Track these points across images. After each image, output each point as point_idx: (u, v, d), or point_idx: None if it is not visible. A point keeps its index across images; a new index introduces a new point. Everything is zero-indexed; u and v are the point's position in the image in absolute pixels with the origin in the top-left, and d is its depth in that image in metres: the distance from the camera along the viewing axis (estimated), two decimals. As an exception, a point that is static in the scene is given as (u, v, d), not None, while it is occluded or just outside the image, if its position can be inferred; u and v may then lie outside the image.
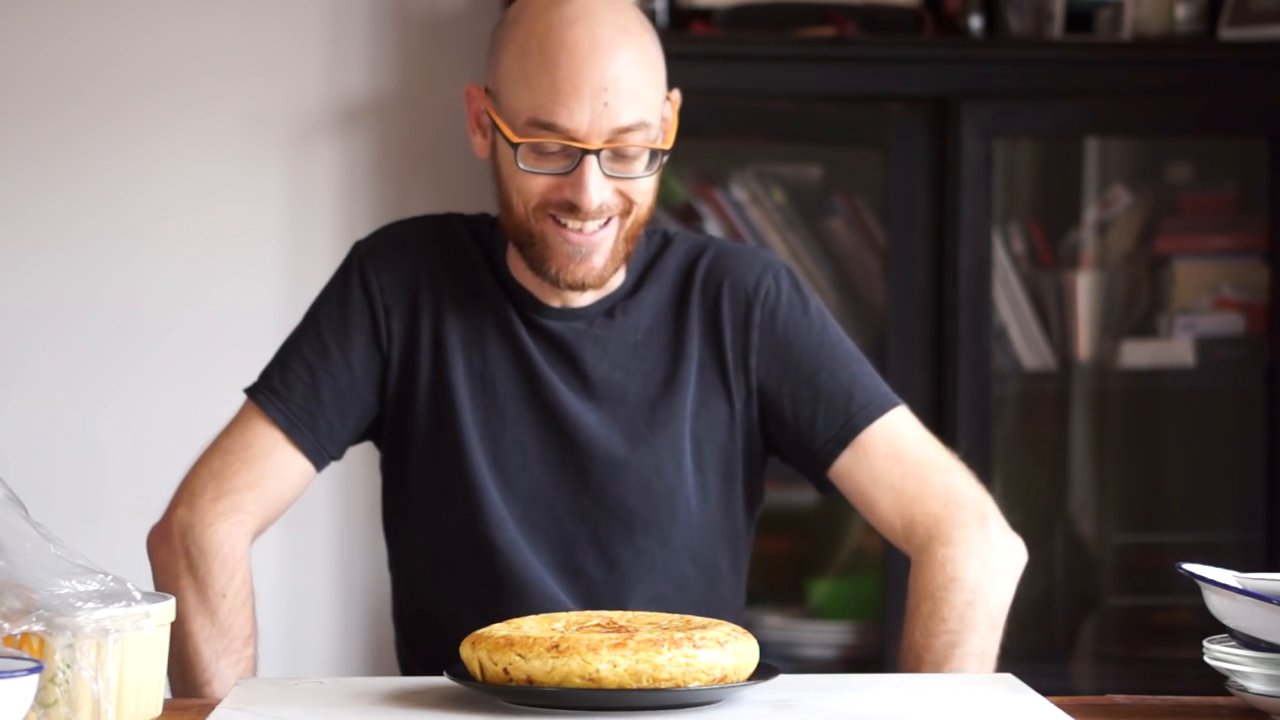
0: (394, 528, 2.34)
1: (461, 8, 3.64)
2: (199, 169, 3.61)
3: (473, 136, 2.23)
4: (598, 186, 2.13)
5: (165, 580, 2.20)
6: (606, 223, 2.16)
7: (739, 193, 3.56)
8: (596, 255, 2.17)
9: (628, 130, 2.12)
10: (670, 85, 2.23)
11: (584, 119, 2.11)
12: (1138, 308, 3.64)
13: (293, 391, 2.23)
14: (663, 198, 3.47)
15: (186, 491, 2.23)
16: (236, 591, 2.19)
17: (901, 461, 2.23)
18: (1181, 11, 3.54)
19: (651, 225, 2.28)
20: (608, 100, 2.11)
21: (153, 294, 3.60)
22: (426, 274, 2.26)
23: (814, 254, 3.55)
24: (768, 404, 2.26)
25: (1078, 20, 3.52)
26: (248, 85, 3.62)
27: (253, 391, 2.25)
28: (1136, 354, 3.62)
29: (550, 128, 2.12)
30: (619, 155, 2.14)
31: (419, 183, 3.63)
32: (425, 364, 2.24)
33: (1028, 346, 3.59)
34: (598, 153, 2.12)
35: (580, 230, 2.15)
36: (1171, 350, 3.60)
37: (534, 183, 2.15)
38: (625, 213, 2.17)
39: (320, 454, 2.24)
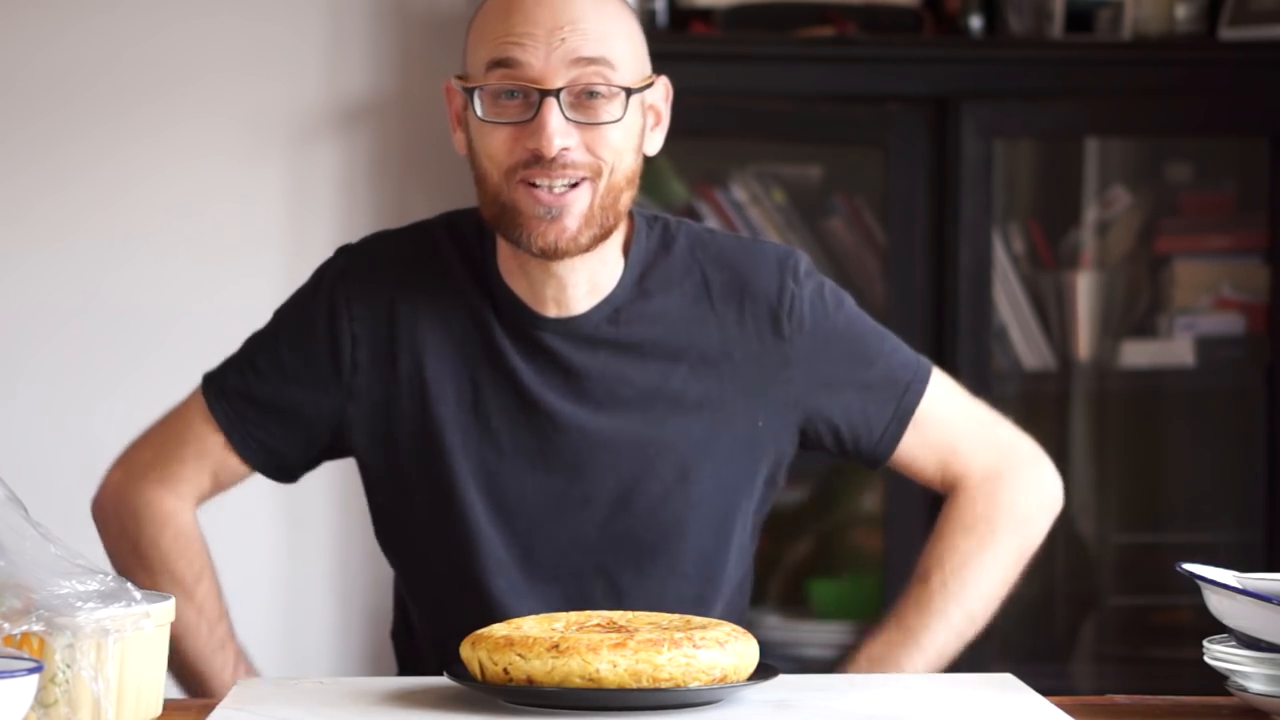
0: (389, 556, 2.29)
1: (461, 8, 3.64)
2: (199, 170, 3.61)
3: (454, 134, 2.17)
4: (559, 128, 2.05)
5: (119, 566, 2.25)
6: (578, 184, 2.08)
7: (739, 193, 3.56)
8: (568, 217, 2.07)
9: (589, 64, 2.06)
10: (671, 86, 2.18)
11: (540, 55, 2.05)
12: (1138, 308, 3.64)
13: (244, 414, 2.22)
14: (663, 197, 3.49)
15: (127, 464, 2.28)
16: (197, 575, 2.26)
17: (953, 424, 2.26)
18: (1181, 11, 3.54)
19: (651, 212, 2.23)
20: (565, 37, 2.06)
21: (153, 294, 3.60)
22: (405, 304, 2.18)
23: (814, 254, 3.54)
24: (811, 414, 2.20)
25: (1078, 20, 3.52)
26: (248, 86, 3.62)
27: (209, 396, 2.24)
28: (1136, 354, 3.62)
29: (506, 63, 2.06)
30: (583, 104, 2.07)
31: (419, 183, 3.63)
32: (407, 399, 2.17)
33: (1028, 346, 3.59)
34: (557, 94, 2.05)
35: (550, 189, 2.07)
36: (1171, 350, 3.60)
37: (498, 137, 2.08)
38: (597, 174, 2.08)
39: (270, 468, 2.25)
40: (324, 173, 3.63)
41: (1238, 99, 3.53)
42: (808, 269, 2.23)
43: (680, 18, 3.48)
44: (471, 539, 2.17)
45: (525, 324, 2.17)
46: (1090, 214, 3.66)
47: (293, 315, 2.25)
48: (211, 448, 2.24)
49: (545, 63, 2.06)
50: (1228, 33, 3.51)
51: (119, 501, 2.27)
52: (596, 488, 2.17)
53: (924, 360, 2.26)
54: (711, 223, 3.50)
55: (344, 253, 2.26)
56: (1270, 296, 3.57)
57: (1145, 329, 3.63)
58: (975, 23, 3.50)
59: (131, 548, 2.25)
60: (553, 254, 2.10)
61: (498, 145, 2.09)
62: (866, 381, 2.22)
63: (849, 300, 2.26)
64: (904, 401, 2.22)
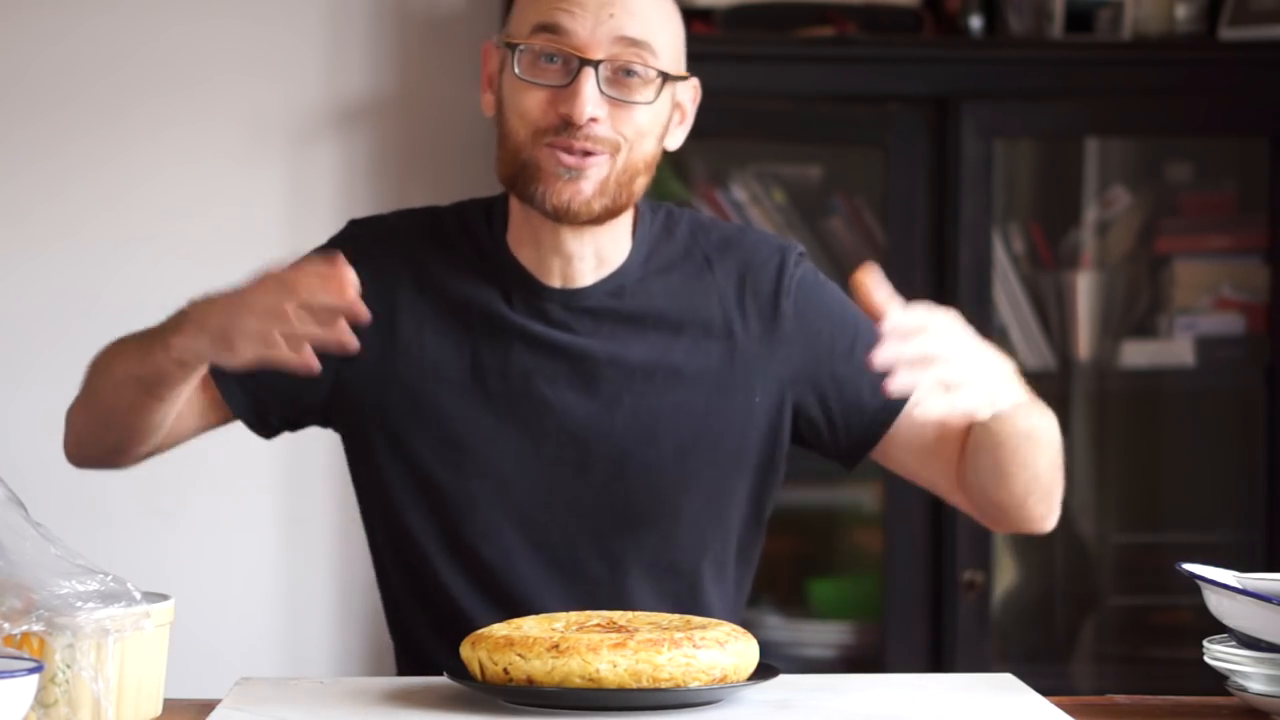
0: (375, 530, 2.31)
1: (461, 8, 3.64)
2: (199, 171, 3.61)
3: (483, 95, 2.22)
4: (593, 98, 2.10)
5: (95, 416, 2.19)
6: (599, 155, 2.12)
7: (739, 193, 3.56)
8: (585, 181, 2.12)
9: (632, 45, 2.11)
10: (700, 90, 2.23)
11: (586, 25, 2.11)
12: (1138, 308, 3.64)
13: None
14: (663, 198, 3.48)
15: None
16: None
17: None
18: (1181, 11, 3.54)
19: (654, 201, 2.26)
20: (614, 13, 2.11)
21: (154, 295, 3.57)
22: (408, 275, 2.23)
23: (814, 254, 3.53)
24: (805, 392, 2.23)
25: (1078, 20, 3.52)
26: (248, 86, 3.62)
27: None
28: (1136, 354, 3.62)
29: (552, 29, 2.11)
30: (620, 81, 2.12)
31: (419, 183, 3.63)
32: (404, 366, 2.20)
33: (1028, 346, 3.59)
34: (596, 65, 2.10)
35: (570, 150, 2.11)
36: (1171, 350, 3.60)
37: (531, 98, 2.12)
38: (617, 150, 2.13)
39: (251, 417, 2.23)
40: (324, 173, 3.63)
41: (1238, 99, 3.53)
42: (802, 254, 2.29)
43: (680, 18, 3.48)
44: (464, 504, 2.19)
45: (530, 294, 2.21)
46: (1090, 214, 3.65)
47: None
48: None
49: (591, 34, 2.11)
50: (1228, 33, 3.51)
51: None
52: (593, 456, 2.19)
53: None
54: (711, 223, 3.50)
55: (354, 223, 2.31)
56: (1270, 296, 3.56)
57: (1145, 329, 3.63)
58: (975, 23, 3.50)
59: (93, 396, 2.21)
60: (565, 214, 2.14)
61: (530, 105, 2.13)
62: (860, 363, 2.21)
63: (845, 295, 2.28)
64: None
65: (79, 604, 1.73)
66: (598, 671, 1.77)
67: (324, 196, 3.62)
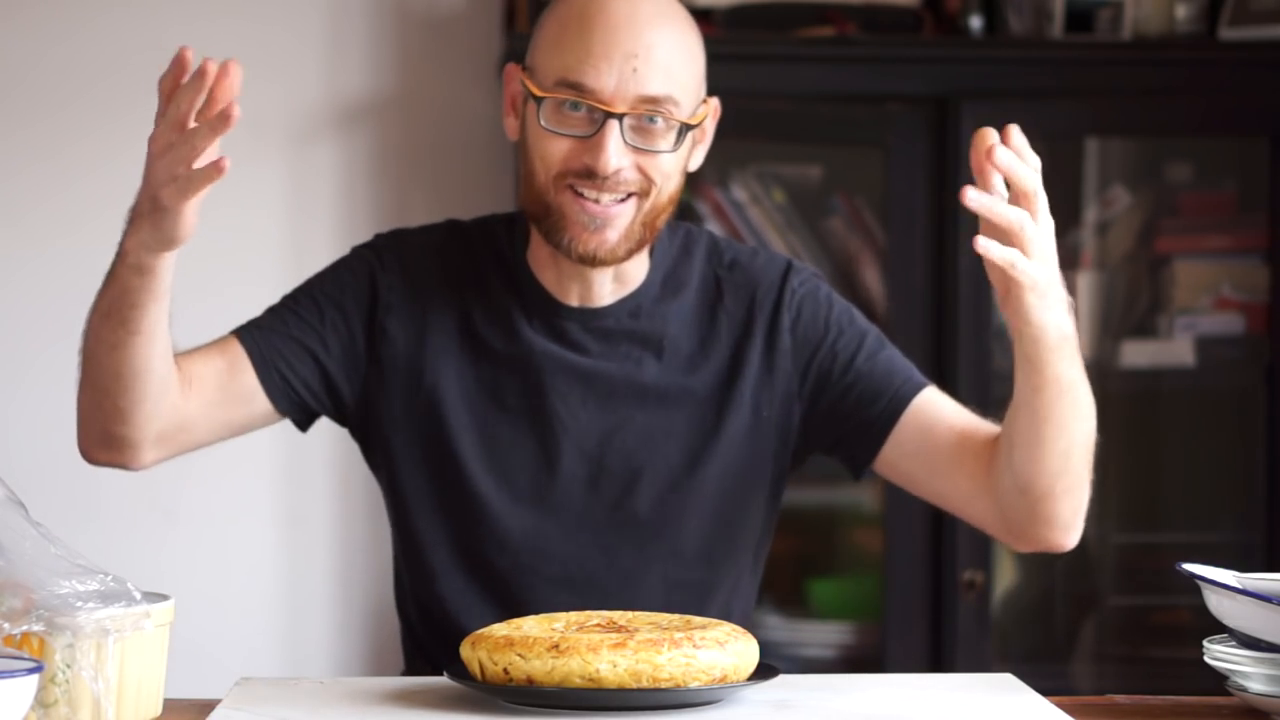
0: (394, 535, 2.32)
1: (461, 8, 3.64)
2: (199, 169, 3.61)
3: (506, 118, 2.23)
4: (616, 151, 2.11)
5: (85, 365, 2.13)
6: (625, 200, 2.14)
7: (739, 193, 3.56)
8: (610, 229, 2.15)
9: (654, 101, 2.12)
10: (720, 107, 2.24)
11: (610, 81, 2.11)
12: (1138, 308, 3.64)
13: (270, 345, 2.20)
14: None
15: None
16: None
17: (957, 408, 2.24)
18: (1181, 11, 3.54)
19: (675, 220, 2.28)
20: (637, 67, 2.11)
21: (153, 294, 3.59)
22: (433, 287, 2.25)
23: (814, 254, 3.55)
24: (810, 405, 2.25)
25: (1078, 20, 3.52)
26: (248, 86, 3.58)
27: (238, 332, 2.22)
28: (1136, 354, 3.62)
29: (577, 87, 2.12)
30: (643, 128, 2.13)
31: (419, 183, 3.63)
32: (426, 378, 2.22)
33: (1028, 346, 3.58)
34: (620, 118, 2.11)
35: (597, 201, 2.13)
36: (1171, 350, 3.60)
37: (555, 146, 2.13)
38: (644, 193, 2.15)
39: (285, 402, 2.21)
40: (323, 173, 3.63)
41: (1238, 99, 3.53)
42: (813, 274, 2.31)
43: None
44: (477, 516, 2.22)
45: (549, 314, 2.23)
46: (1090, 214, 3.65)
47: (330, 275, 2.28)
48: (233, 357, 2.19)
49: (615, 90, 2.12)
50: (1228, 33, 3.51)
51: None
52: (606, 472, 2.22)
53: (924, 378, 2.27)
54: (711, 223, 3.51)
55: (380, 235, 2.32)
56: (1270, 296, 3.56)
57: (1145, 329, 3.63)
58: (975, 23, 3.50)
59: (84, 364, 2.14)
60: (591, 262, 2.17)
61: (554, 152, 2.14)
62: (865, 371, 2.25)
63: (853, 307, 2.31)
64: (901, 391, 2.23)
65: (79, 604, 1.73)
66: (598, 671, 1.77)
67: (324, 196, 3.62)
